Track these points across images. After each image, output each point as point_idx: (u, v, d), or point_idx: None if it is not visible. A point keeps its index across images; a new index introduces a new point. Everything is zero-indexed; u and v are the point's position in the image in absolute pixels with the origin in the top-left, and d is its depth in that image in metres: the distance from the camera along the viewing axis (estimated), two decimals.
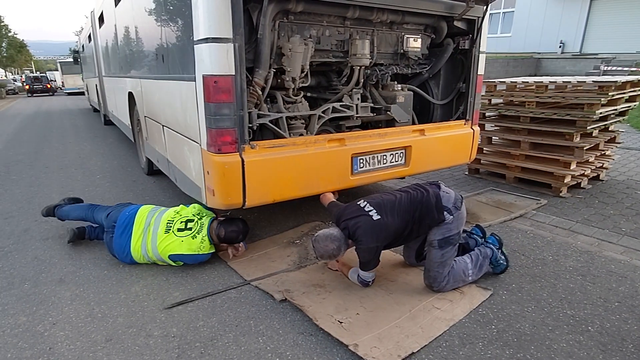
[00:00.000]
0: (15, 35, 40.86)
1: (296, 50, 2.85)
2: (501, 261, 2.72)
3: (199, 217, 2.97)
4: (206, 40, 2.43)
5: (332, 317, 2.28)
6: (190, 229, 2.88)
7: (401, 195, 2.54)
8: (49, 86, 29.04)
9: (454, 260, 2.55)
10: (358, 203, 2.55)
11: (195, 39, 2.55)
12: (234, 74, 2.48)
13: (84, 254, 3.16)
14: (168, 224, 2.90)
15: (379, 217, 2.41)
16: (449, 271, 2.50)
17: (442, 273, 2.48)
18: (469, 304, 2.41)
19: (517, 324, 2.23)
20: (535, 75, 15.92)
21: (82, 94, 19.88)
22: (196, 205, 3.08)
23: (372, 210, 2.45)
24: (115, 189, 4.89)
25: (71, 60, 21.05)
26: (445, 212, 2.45)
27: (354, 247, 2.53)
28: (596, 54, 17.74)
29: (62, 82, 27.77)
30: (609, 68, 13.78)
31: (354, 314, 2.33)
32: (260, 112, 2.86)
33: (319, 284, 2.67)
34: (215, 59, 2.45)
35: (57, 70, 31.86)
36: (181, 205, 3.11)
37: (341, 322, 2.23)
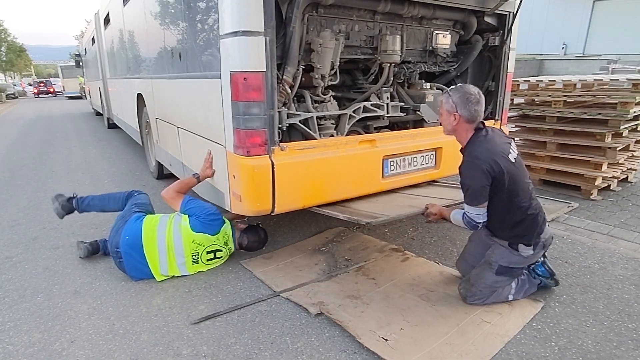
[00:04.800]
0: (14, 40, 40.78)
1: (327, 45, 2.68)
2: (551, 285, 2.47)
3: (225, 245, 2.83)
4: (235, 34, 2.25)
5: (375, 334, 2.09)
6: (220, 257, 2.85)
7: (530, 191, 2.26)
8: (51, 89, 33.75)
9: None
10: (510, 140, 2.30)
11: (221, 33, 2.37)
12: (264, 70, 2.30)
13: (99, 263, 2.98)
14: (194, 257, 2.73)
15: (512, 163, 2.14)
16: (491, 296, 2.32)
17: (485, 294, 2.31)
18: (521, 318, 2.23)
19: (578, 340, 2.05)
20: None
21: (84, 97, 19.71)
22: (220, 235, 2.77)
23: (513, 157, 2.18)
24: None
25: (72, 64, 20.91)
26: (533, 242, 2.23)
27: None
28: (599, 55, 17.63)
29: (63, 86, 28.14)
30: (617, 66, 13.63)
31: (397, 329, 2.15)
32: (290, 112, 2.68)
33: (354, 295, 2.49)
34: (245, 54, 2.27)
35: (57, 76, 33.24)
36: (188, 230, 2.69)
37: (386, 340, 2.04)
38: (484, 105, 2.22)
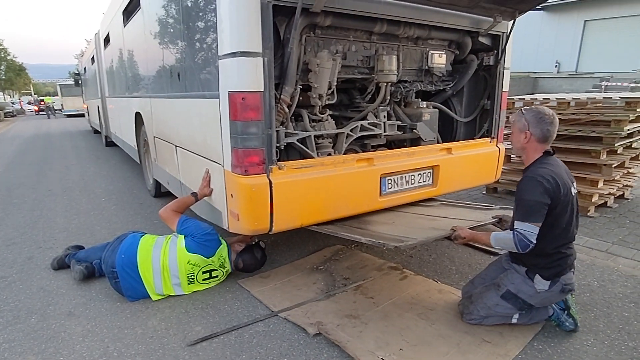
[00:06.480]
0: (14, 59, 41.10)
1: (324, 65, 2.72)
2: (567, 323, 2.26)
3: (222, 267, 2.83)
4: (234, 54, 2.29)
5: (374, 355, 2.06)
6: (215, 277, 2.84)
7: (573, 232, 2.22)
8: None
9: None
10: (573, 178, 2.25)
11: (220, 54, 2.41)
12: (262, 90, 2.33)
13: (94, 284, 2.94)
14: (189, 277, 2.72)
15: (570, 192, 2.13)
16: (488, 318, 2.29)
17: (480, 315, 2.29)
18: (521, 337, 2.21)
19: None
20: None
21: (82, 115, 19.78)
22: (215, 257, 2.77)
23: (574, 191, 2.15)
24: (122, 212, 4.69)
25: (70, 83, 21.10)
26: (552, 278, 2.14)
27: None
28: (592, 73, 17.92)
29: (62, 105, 28.50)
30: (610, 84, 13.85)
31: (397, 349, 2.12)
32: (288, 131, 2.70)
33: (353, 315, 2.46)
34: (244, 75, 2.30)
35: (56, 94, 33.84)
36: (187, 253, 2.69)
37: None
38: (557, 128, 2.19)
